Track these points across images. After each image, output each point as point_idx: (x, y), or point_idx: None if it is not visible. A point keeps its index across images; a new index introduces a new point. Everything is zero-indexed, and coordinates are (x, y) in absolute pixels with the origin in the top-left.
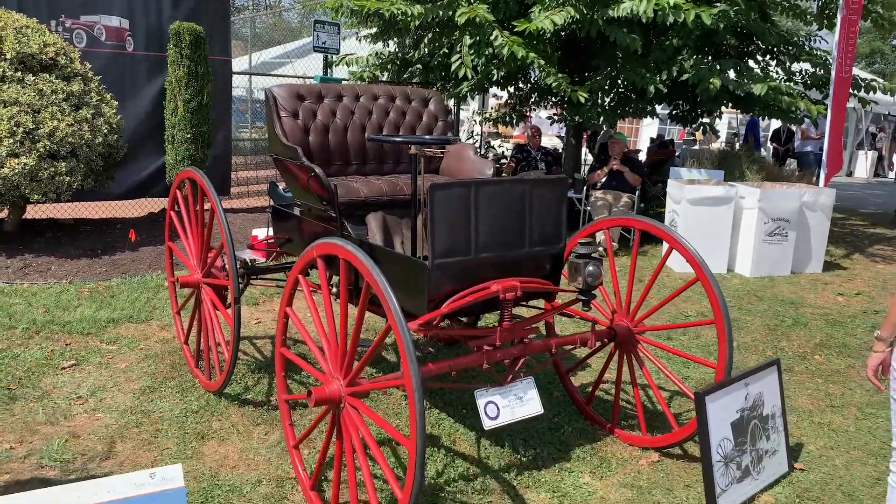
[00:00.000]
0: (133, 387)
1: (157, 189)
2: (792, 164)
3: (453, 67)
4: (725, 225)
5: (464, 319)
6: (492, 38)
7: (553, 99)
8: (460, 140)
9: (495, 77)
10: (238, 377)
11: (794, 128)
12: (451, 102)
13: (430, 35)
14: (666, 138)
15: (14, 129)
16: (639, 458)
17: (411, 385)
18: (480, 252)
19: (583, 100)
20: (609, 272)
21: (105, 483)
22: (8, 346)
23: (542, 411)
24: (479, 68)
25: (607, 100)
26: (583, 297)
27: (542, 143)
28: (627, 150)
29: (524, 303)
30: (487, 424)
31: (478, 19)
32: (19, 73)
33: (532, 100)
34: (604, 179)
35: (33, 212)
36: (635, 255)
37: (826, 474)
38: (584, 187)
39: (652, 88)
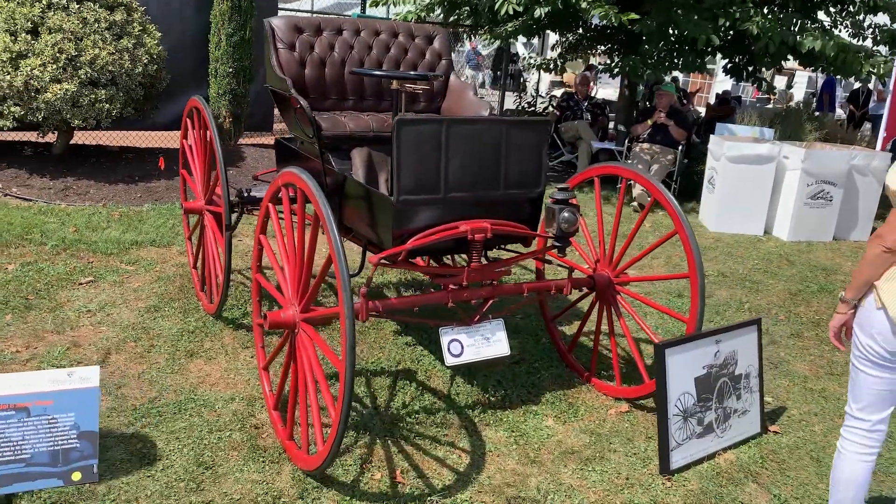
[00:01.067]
0: (140, 305)
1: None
2: (868, 127)
3: (496, 6)
4: (766, 185)
5: (447, 259)
6: None
7: (605, 45)
8: (440, 77)
9: (539, 15)
10: (240, 302)
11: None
12: (494, 44)
13: None
14: (737, 95)
15: (57, 55)
16: (609, 407)
17: (343, 313)
18: (451, 191)
19: (627, 23)
20: (596, 221)
21: (24, 377)
22: (35, 260)
23: (509, 352)
24: (521, 4)
25: (655, 51)
26: (557, 244)
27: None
28: (681, 102)
29: (502, 246)
30: (449, 361)
31: None
32: (65, 1)
33: (583, 45)
34: (647, 132)
35: (82, 138)
36: (621, 204)
37: (800, 439)
38: (626, 140)
39: (704, 38)
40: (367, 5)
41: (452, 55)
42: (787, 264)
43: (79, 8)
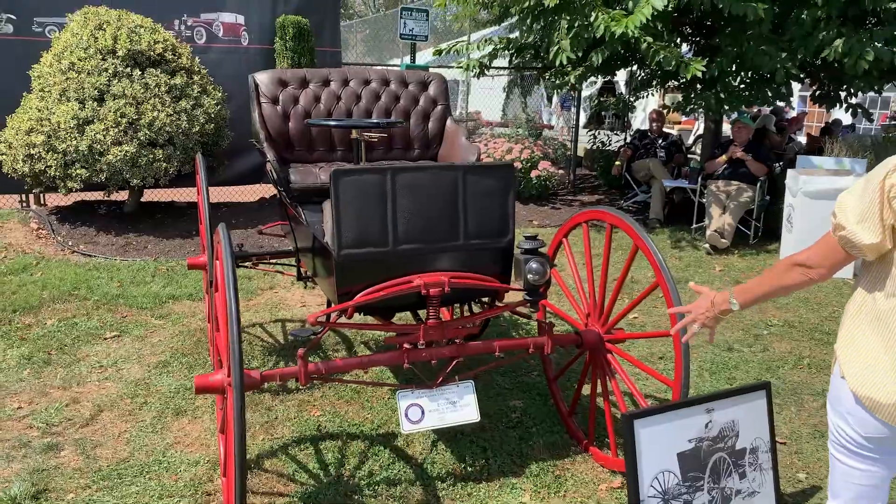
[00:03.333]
0: (151, 360)
1: (268, 177)
2: None
3: (551, 55)
4: None
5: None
6: (591, 19)
7: (675, 82)
8: (402, 123)
9: (596, 62)
10: (247, 357)
11: None
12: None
13: (528, 19)
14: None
15: (119, 119)
16: (601, 481)
17: (232, 382)
18: (400, 244)
19: (699, 74)
20: (585, 270)
21: None
22: (73, 315)
23: (479, 419)
24: (577, 54)
25: (733, 83)
26: (528, 298)
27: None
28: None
29: (481, 300)
30: (406, 427)
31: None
32: (128, 69)
33: (654, 83)
34: (722, 169)
35: (154, 195)
36: (607, 252)
37: None
38: (700, 176)
39: (782, 72)
40: (432, 54)
41: (536, 99)
42: None
43: (141, 75)
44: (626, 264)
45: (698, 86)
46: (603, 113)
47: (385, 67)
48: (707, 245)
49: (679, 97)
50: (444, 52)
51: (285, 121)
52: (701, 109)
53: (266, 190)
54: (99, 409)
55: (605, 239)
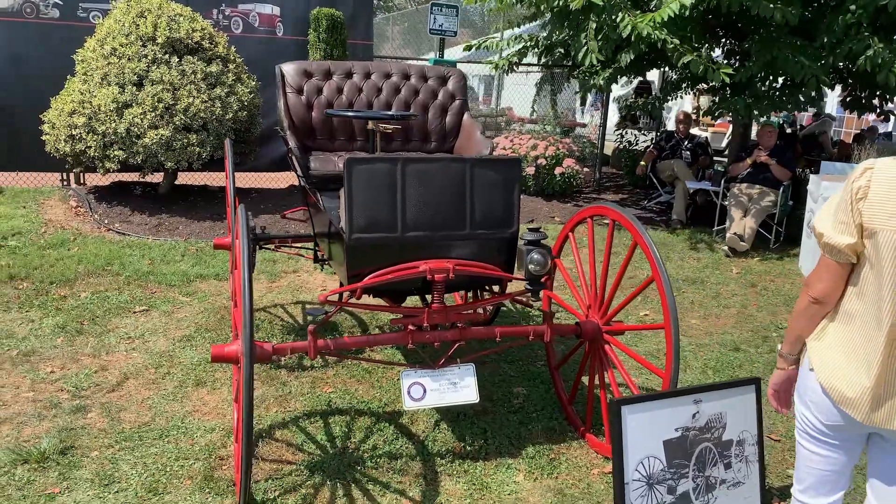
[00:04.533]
0: (177, 334)
1: None
2: None
3: (580, 56)
4: None
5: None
6: (618, 19)
7: (705, 85)
8: (415, 116)
9: (624, 63)
10: (269, 335)
11: None
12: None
13: (557, 19)
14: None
15: (156, 104)
16: (594, 466)
17: (242, 352)
18: (409, 230)
19: (727, 80)
20: (587, 263)
21: None
22: (106, 289)
23: (477, 400)
24: (606, 54)
25: (762, 88)
26: (529, 287)
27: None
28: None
29: (487, 289)
30: (408, 405)
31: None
32: (167, 56)
33: (684, 86)
34: (746, 172)
35: (187, 178)
36: (609, 246)
37: None
38: (723, 179)
39: (813, 78)
40: (462, 49)
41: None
42: None
43: (179, 62)
44: (626, 259)
45: (727, 90)
46: (637, 113)
47: (407, 62)
48: (726, 247)
49: (715, 99)
50: (474, 48)
51: (308, 110)
52: (730, 114)
53: (294, 177)
54: (125, 377)
55: (608, 234)
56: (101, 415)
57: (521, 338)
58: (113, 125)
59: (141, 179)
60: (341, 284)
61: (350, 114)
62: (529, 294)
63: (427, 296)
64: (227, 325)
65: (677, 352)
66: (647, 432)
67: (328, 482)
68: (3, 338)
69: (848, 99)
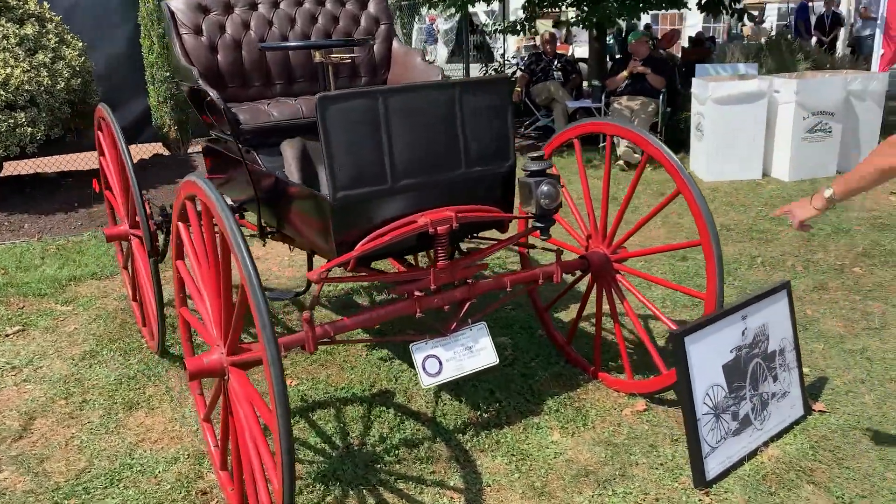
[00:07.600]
0: (74, 352)
1: (146, 134)
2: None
3: None
4: (758, 124)
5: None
6: None
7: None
8: (372, 41)
9: None
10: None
11: (840, 11)
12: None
13: None
14: (710, 36)
15: None
16: (623, 406)
17: (265, 357)
18: (400, 179)
19: None
20: (581, 190)
21: None
22: None
23: (497, 361)
24: None
25: None
26: (539, 224)
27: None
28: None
29: (475, 236)
30: (426, 382)
31: None
32: None
33: (546, 3)
34: (624, 84)
35: (15, 168)
36: (608, 165)
37: (851, 416)
38: (603, 94)
39: None
40: None
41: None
42: None
43: None
44: (637, 175)
45: (584, 6)
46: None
47: None
48: (621, 161)
49: (549, 26)
50: None
51: (213, 53)
52: (583, 26)
53: (144, 150)
54: (29, 418)
55: (606, 152)
56: (17, 472)
57: (531, 282)
58: None
59: None
60: (309, 258)
61: (292, 45)
62: (540, 232)
63: (410, 256)
64: (134, 330)
65: (720, 269)
66: (707, 361)
67: (353, 491)
68: None
69: (703, 1)
